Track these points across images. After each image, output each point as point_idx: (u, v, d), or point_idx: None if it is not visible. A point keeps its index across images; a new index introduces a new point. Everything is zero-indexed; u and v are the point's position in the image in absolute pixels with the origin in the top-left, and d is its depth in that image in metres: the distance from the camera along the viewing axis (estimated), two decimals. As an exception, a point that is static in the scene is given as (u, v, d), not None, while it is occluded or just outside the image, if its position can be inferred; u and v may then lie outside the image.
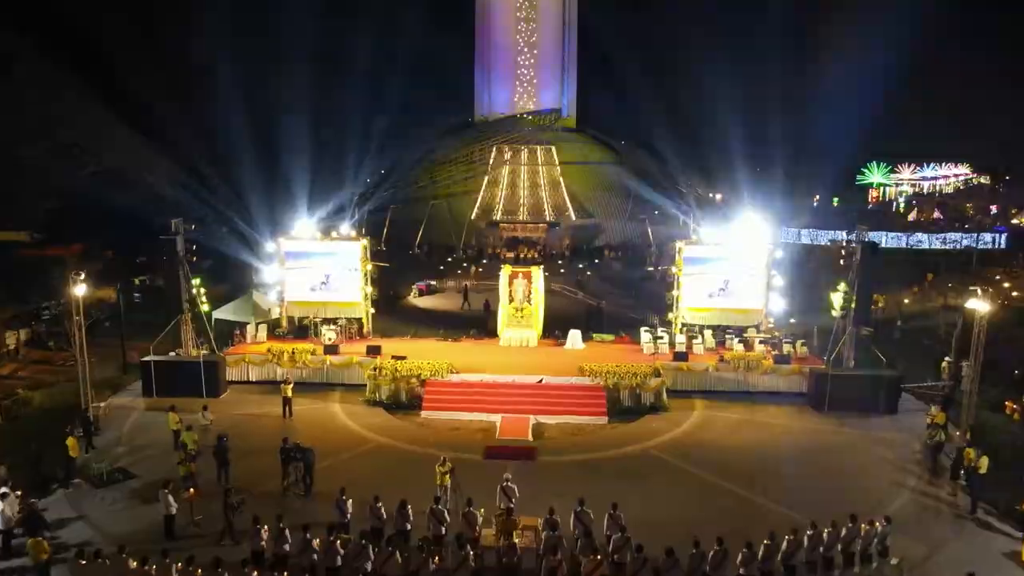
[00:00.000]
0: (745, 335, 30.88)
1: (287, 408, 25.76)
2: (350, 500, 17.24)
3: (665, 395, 26.80)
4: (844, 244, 27.70)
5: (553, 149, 75.17)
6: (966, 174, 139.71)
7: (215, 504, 17.97)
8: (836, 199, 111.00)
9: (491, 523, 17.03)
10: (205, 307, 29.14)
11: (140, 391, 27.93)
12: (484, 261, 60.50)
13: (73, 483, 20.00)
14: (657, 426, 25.15)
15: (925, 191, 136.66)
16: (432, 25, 78.13)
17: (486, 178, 73.14)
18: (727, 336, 31.04)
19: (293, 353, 29.31)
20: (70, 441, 20.39)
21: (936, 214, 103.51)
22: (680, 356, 28.98)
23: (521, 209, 70.71)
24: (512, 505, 17.44)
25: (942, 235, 69.05)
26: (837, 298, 27.34)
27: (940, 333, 31.81)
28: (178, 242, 27.53)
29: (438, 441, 23.58)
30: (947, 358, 28.91)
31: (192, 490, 18.13)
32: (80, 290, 23.65)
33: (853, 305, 26.64)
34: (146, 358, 27.93)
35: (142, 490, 19.46)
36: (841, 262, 27.43)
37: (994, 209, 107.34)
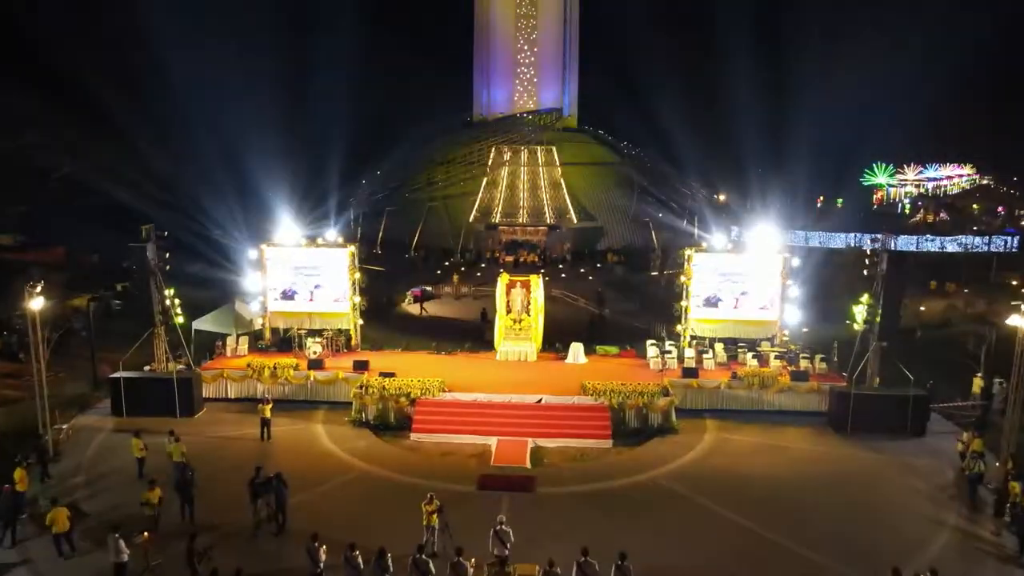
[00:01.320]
0: (759, 349, 28.91)
1: (265, 430, 23.79)
2: (323, 547, 15.26)
3: (674, 415, 24.83)
4: (868, 252, 25.64)
5: (554, 149, 73.33)
6: (969, 174, 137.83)
7: (176, 545, 16.07)
8: (840, 200, 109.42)
9: (483, 573, 15.10)
10: (180, 319, 27.20)
11: (110, 410, 25.97)
12: (483, 265, 58.64)
13: (21, 518, 18.01)
14: (666, 451, 23.18)
15: (929, 192, 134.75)
16: (429, 21, 76.27)
17: (485, 179, 71.26)
18: (739, 350, 29.08)
19: (275, 368, 27.36)
20: (18, 473, 18.36)
21: (942, 215, 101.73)
22: (689, 372, 27.00)
23: (521, 211, 68.76)
24: (507, 552, 15.49)
25: (956, 238, 66.91)
26: (860, 311, 25.40)
27: (969, 347, 29.75)
28: (149, 250, 25.55)
29: (428, 468, 21.62)
30: (978, 375, 26.91)
31: (146, 533, 16.15)
32: (37, 303, 21.65)
33: (878, 319, 24.66)
34: (115, 374, 25.97)
35: (95, 531, 17.37)
36: (865, 272, 25.39)
37: (1001, 211, 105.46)
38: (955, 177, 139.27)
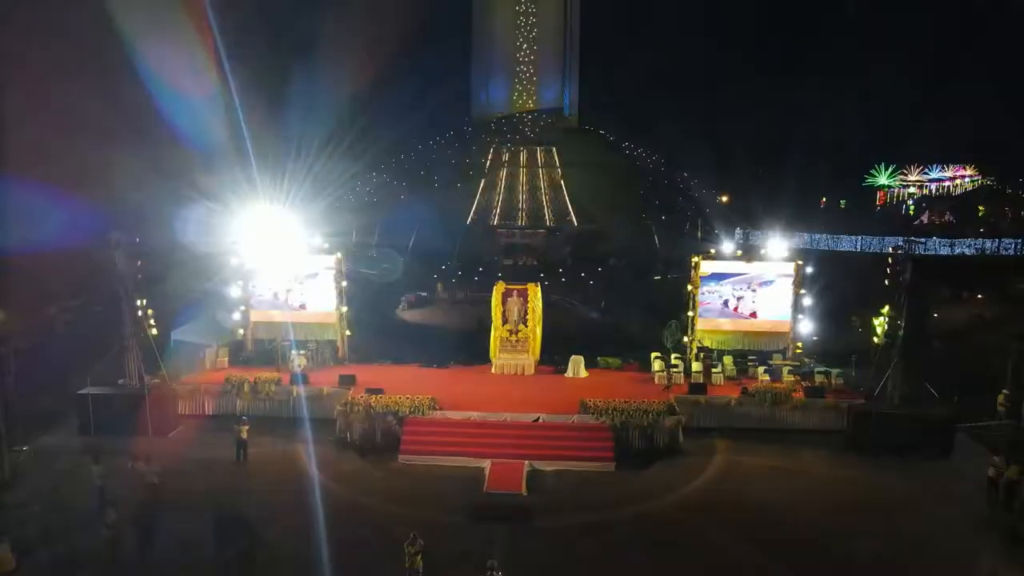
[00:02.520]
0: (771, 362, 27.20)
1: (241, 452, 22.08)
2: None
3: (681, 436, 23.11)
4: (889, 260, 23.87)
5: (554, 150, 71.83)
6: (972, 175, 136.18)
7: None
8: (843, 201, 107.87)
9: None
10: (154, 331, 25.49)
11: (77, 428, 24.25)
12: (480, 268, 56.92)
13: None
14: (673, 475, 21.43)
15: (933, 193, 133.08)
16: (427, 19, 74.65)
17: (483, 181, 69.63)
18: (750, 363, 27.38)
19: (255, 383, 25.68)
20: (-37, 506, 16.74)
21: (948, 217, 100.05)
22: (697, 388, 25.32)
23: (520, 213, 67.07)
24: (498, 602, 13.82)
25: (975, 242, 65.07)
26: (879, 323, 23.69)
27: (995, 361, 27.97)
28: (118, 258, 23.83)
29: (415, 495, 19.91)
30: (1004, 390, 25.17)
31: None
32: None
33: (900, 332, 22.94)
34: (83, 390, 24.26)
35: (45, 571, 15.71)
36: (886, 281, 23.66)
37: (1007, 212, 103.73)
38: (957, 178, 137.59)
